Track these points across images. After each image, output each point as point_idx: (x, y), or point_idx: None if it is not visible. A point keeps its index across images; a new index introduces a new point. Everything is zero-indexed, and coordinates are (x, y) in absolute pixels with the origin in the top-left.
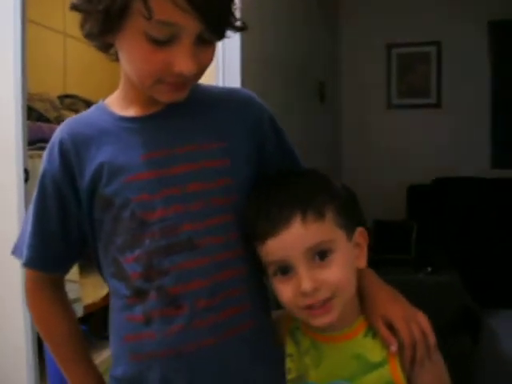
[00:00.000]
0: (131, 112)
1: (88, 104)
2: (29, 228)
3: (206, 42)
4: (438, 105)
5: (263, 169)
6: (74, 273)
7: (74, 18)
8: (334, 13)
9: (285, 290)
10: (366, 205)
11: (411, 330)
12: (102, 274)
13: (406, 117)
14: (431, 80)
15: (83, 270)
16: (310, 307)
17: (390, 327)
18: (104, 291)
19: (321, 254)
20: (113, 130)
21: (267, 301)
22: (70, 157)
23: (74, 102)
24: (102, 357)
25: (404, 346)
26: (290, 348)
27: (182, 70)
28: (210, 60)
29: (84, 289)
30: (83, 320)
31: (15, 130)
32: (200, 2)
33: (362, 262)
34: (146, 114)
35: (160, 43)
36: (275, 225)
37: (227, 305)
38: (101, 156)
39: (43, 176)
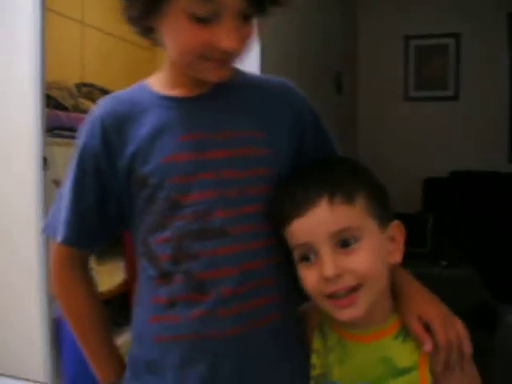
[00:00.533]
0: (173, 93)
1: (105, 93)
2: (65, 204)
3: (248, 18)
4: (455, 97)
5: (301, 160)
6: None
7: (92, 7)
8: (352, 3)
9: (309, 276)
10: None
11: (448, 333)
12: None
13: (424, 109)
14: (449, 72)
15: (99, 258)
16: (333, 296)
17: (426, 328)
18: (119, 278)
19: (347, 240)
20: (154, 108)
21: (296, 294)
22: (111, 133)
23: (91, 91)
24: (118, 343)
25: (438, 347)
26: (316, 343)
27: (226, 47)
28: (252, 36)
29: (100, 276)
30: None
31: (33, 117)
32: None
33: (397, 257)
34: (188, 95)
35: (202, 21)
36: (300, 205)
37: (254, 295)
38: (140, 134)
39: (82, 151)
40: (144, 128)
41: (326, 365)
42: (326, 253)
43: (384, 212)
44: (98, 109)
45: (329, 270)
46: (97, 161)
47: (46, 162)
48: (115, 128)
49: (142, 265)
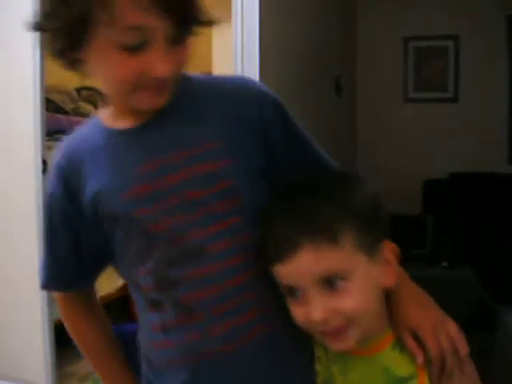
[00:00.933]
0: (124, 124)
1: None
2: (44, 250)
3: (178, 41)
4: (455, 99)
5: (275, 163)
6: None
7: None
8: (351, 6)
9: (297, 313)
10: (381, 199)
11: (439, 341)
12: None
13: (423, 111)
14: (449, 74)
15: None
16: (323, 334)
17: (418, 338)
18: (119, 282)
19: (334, 281)
20: (107, 145)
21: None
22: (70, 179)
23: (92, 94)
24: None
25: (432, 358)
26: (318, 351)
27: (160, 74)
28: (186, 57)
29: (99, 280)
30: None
31: (33, 121)
32: (171, 1)
33: (390, 280)
34: (137, 123)
35: (132, 50)
36: (282, 251)
37: (243, 309)
38: (98, 174)
39: (49, 198)
40: (101, 167)
41: (328, 375)
42: (313, 296)
43: (374, 236)
44: (57, 155)
45: (316, 315)
46: (63, 209)
47: (45, 166)
48: (72, 172)
49: (133, 295)
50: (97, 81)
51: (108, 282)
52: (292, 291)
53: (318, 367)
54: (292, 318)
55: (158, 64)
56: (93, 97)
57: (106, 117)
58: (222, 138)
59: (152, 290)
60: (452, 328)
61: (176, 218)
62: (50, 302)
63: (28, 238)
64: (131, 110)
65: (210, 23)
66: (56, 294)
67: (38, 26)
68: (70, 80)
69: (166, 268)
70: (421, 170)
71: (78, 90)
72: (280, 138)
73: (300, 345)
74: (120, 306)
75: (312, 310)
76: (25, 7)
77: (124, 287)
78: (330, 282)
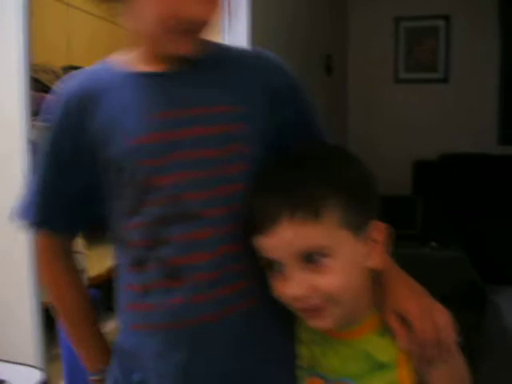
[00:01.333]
0: (142, 68)
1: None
2: (33, 187)
3: None
4: (445, 80)
5: (281, 139)
6: (79, 243)
7: None
8: None
9: (277, 288)
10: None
11: (424, 328)
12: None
13: (414, 91)
14: (439, 54)
15: (89, 242)
16: (301, 310)
17: (404, 323)
18: (109, 263)
19: (314, 257)
20: (118, 87)
21: None
22: (79, 112)
23: None
24: (107, 328)
25: (404, 345)
26: (302, 334)
27: (192, 15)
28: (219, 5)
29: (90, 261)
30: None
31: (19, 100)
32: None
33: (376, 261)
34: (155, 71)
35: None
36: (263, 223)
37: (230, 280)
38: (108, 114)
39: (54, 130)
40: (112, 107)
41: (310, 357)
42: (292, 271)
43: (362, 214)
44: (65, 87)
45: (294, 291)
46: (70, 138)
47: (32, 146)
48: (83, 106)
49: (116, 252)
50: (129, 22)
51: (98, 263)
52: (271, 265)
53: (303, 350)
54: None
55: (193, 5)
56: None
57: (119, 61)
58: (243, 103)
59: (139, 246)
60: (441, 316)
61: (183, 174)
62: (39, 286)
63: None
64: (153, 56)
65: None
66: (38, 238)
67: None
68: (56, 59)
69: (158, 226)
70: (411, 150)
71: (65, 69)
72: (293, 113)
73: (282, 324)
74: (110, 287)
75: (290, 286)
76: None
77: (113, 269)
78: (310, 258)
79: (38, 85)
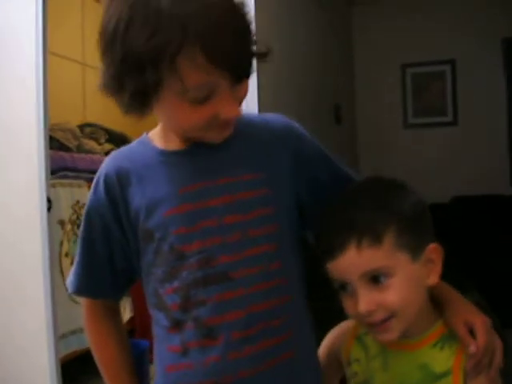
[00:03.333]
0: (172, 145)
1: (108, 132)
2: (76, 258)
3: (240, 81)
4: (454, 123)
5: (321, 195)
6: None
7: (93, 47)
8: (348, 35)
9: (348, 306)
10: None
11: (487, 340)
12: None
13: (423, 136)
14: (447, 98)
15: None
16: (369, 325)
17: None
18: (126, 316)
19: (378, 278)
20: (154, 164)
21: (311, 327)
22: (115, 191)
23: (94, 131)
24: None
25: (477, 350)
26: (356, 353)
27: (229, 117)
28: (247, 92)
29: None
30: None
31: (38, 159)
32: (227, 59)
33: (433, 279)
34: (185, 147)
35: (200, 102)
36: (332, 249)
37: (265, 336)
38: (142, 191)
39: (89, 209)
40: (146, 184)
41: (368, 372)
42: (360, 290)
43: (417, 239)
44: (104, 167)
45: (362, 308)
46: (103, 218)
47: (50, 204)
48: (119, 185)
49: (154, 316)
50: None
51: (124, 311)
52: (343, 286)
53: (357, 368)
54: (312, 347)
55: (227, 108)
56: (95, 133)
57: (154, 136)
58: (264, 170)
59: (177, 309)
60: (496, 336)
61: (210, 240)
62: (56, 341)
63: (34, 277)
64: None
65: (265, 55)
66: (84, 302)
67: (105, 88)
68: (73, 118)
69: (194, 288)
70: (422, 194)
71: (81, 126)
72: (325, 174)
73: (319, 375)
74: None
75: (359, 304)
76: (29, 50)
77: (131, 320)
78: (374, 278)
79: (55, 143)
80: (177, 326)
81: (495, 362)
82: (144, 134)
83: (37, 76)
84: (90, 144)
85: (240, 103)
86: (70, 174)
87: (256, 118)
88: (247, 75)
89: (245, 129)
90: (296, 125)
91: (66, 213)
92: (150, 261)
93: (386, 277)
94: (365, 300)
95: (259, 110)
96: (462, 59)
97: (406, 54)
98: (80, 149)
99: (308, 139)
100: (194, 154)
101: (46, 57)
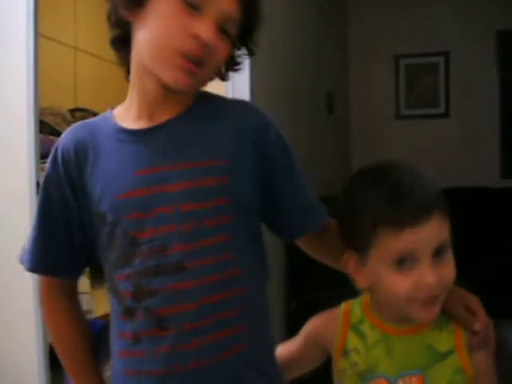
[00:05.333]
0: (133, 124)
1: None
2: (32, 233)
3: (227, 35)
4: (446, 115)
5: (270, 191)
6: (84, 284)
7: (85, 32)
8: (342, 25)
9: (403, 282)
10: None
11: (485, 316)
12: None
13: (415, 127)
14: (440, 90)
15: (94, 282)
16: (421, 301)
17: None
18: None
19: (442, 251)
20: (112, 141)
21: (267, 319)
22: (72, 166)
23: (85, 116)
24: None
25: (481, 327)
26: (353, 342)
27: (203, 37)
28: (224, 54)
29: (95, 300)
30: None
31: (28, 143)
32: None
33: None
34: (146, 126)
35: (190, 7)
36: (417, 216)
37: (217, 328)
38: (98, 169)
39: (47, 180)
40: (102, 163)
41: (371, 360)
42: (429, 263)
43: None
44: (63, 139)
45: (432, 278)
46: (60, 189)
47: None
48: (75, 159)
49: (110, 299)
50: (138, 52)
51: (104, 303)
52: (402, 261)
53: (356, 357)
54: (267, 340)
55: (204, 27)
56: (87, 118)
57: (117, 113)
58: (227, 157)
59: (129, 296)
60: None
61: (164, 228)
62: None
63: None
64: (147, 111)
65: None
66: (39, 280)
67: None
68: (64, 102)
69: (146, 277)
70: None
71: (72, 111)
72: (279, 169)
73: (270, 370)
74: None
75: (427, 276)
76: (20, 32)
77: None
78: (438, 252)
79: (46, 127)
80: (128, 313)
81: (492, 335)
82: (108, 110)
83: (27, 59)
84: None
85: (216, 49)
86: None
87: (222, 100)
88: (245, 24)
89: (209, 110)
90: (262, 112)
91: None
92: (104, 244)
93: (446, 250)
94: (434, 273)
95: (251, 98)
96: (456, 51)
97: (400, 44)
98: None
99: (277, 140)
100: (155, 135)
101: (36, 39)
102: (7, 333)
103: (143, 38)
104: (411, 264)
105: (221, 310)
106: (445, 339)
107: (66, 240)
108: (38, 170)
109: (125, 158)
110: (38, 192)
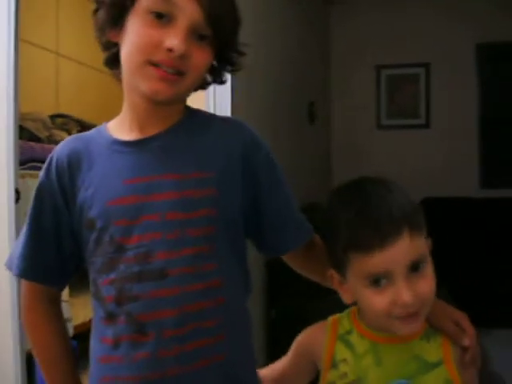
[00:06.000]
0: (126, 136)
1: (80, 123)
2: (22, 239)
3: (202, 40)
4: (426, 125)
5: (256, 206)
6: (64, 292)
7: (67, 37)
8: (325, 34)
9: (379, 301)
10: None
11: (473, 332)
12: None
13: (396, 137)
14: (420, 101)
15: (73, 290)
16: (402, 317)
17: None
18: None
19: (417, 266)
20: (105, 152)
21: (249, 331)
22: (65, 178)
23: (66, 122)
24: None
25: (471, 343)
26: (342, 353)
27: (170, 45)
28: (203, 58)
29: (74, 309)
30: (73, 340)
31: (7, 149)
32: None
33: None
34: (137, 138)
35: (159, 17)
36: (384, 237)
37: (197, 336)
38: (91, 179)
39: (40, 188)
40: (94, 172)
41: (359, 370)
42: (403, 280)
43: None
44: (58, 149)
45: (407, 297)
46: (53, 198)
47: (19, 195)
48: (69, 170)
49: (93, 304)
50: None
51: (83, 311)
52: (377, 280)
53: (345, 368)
54: (248, 352)
55: (174, 37)
56: (67, 124)
57: (111, 126)
58: (215, 170)
59: (111, 301)
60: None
61: (149, 235)
62: (23, 333)
63: (1, 268)
64: (139, 123)
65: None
66: (25, 286)
67: None
68: (44, 108)
69: (129, 282)
70: None
71: (53, 117)
72: (266, 187)
73: (246, 379)
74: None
75: (402, 294)
76: (0, 37)
77: None
78: (415, 267)
79: (25, 133)
80: (110, 318)
81: (479, 351)
82: (103, 124)
83: (8, 63)
84: (62, 135)
85: (191, 64)
86: (40, 165)
87: (212, 116)
88: (216, 29)
89: (199, 124)
90: (250, 129)
91: None
92: (91, 250)
93: (424, 264)
94: (409, 290)
95: (232, 108)
96: (437, 63)
97: (382, 55)
98: (51, 140)
99: (266, 157)
100: (146, 147)
101: (17, 44)
102: None
103: (123, 55)
104: (387, 282)
105: (201, 319)
106: (433, 350)
107: (55, 247)
108: (18, 176)
109: (116, 167)
110: (16, 199)
